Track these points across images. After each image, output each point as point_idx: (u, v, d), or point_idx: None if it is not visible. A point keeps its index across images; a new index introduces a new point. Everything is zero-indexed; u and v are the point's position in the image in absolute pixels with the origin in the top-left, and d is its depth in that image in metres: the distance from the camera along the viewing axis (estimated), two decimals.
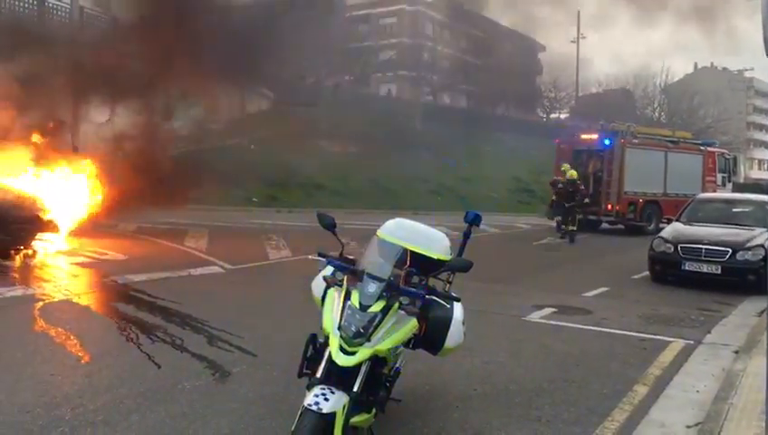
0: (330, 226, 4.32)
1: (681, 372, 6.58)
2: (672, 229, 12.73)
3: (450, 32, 61.98)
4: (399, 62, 53.63)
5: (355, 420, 3.80)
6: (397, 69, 53.20)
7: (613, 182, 22.60)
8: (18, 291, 8.80)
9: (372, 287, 3.88)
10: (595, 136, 23.45)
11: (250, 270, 11.75)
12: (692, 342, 7.79)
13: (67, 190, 12.65)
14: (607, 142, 22.77)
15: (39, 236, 11.29)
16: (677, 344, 7.64)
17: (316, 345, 4.03)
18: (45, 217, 11.43)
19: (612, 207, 22.61)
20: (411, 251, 4.14)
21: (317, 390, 3.67)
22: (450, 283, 4.65)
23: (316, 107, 34.40)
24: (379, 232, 4.33)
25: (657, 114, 66.34)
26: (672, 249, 11.80)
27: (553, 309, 9.32)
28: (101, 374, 5.86)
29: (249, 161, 26.73)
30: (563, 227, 17.76)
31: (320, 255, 4.17)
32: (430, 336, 4.36)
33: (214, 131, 31.20)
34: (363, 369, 3.78)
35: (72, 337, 6.86)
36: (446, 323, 4.38)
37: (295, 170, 27.21)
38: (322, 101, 36.92)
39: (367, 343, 3.75)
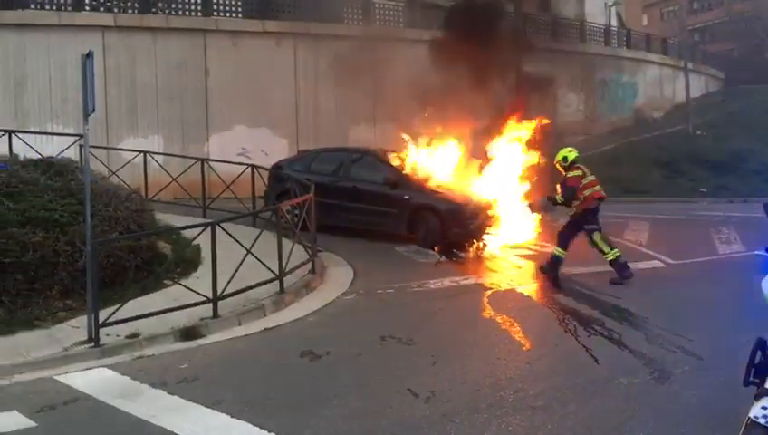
0: None
1: None
2: None
3: None
4: None
5: None
6: None
7: None
8: (471, 280, 9.77)
9: None
10: None
11: (695, 266, 10.97)
12: None
13: (509, 187, 13.45)
14: None
15: (488, 230, 12.33)
16: None
17: (765, 352, 3.57)
18: (492, 213, 12.43)
19: None
20: None
21: (765, 402, 3.26)
22: None
23: None
24: None
25: None
26: None
27: None
28: (541, 362, 6.16)
29: (695, 148, 24.97)
30: None
31: (767, 250, 3.68)
32: None
33: (651, 120, 30.02)
34: None
35: (515, 324, 7.36)
36: None
37: (751, 156, 24.35)
38: None
39: None
